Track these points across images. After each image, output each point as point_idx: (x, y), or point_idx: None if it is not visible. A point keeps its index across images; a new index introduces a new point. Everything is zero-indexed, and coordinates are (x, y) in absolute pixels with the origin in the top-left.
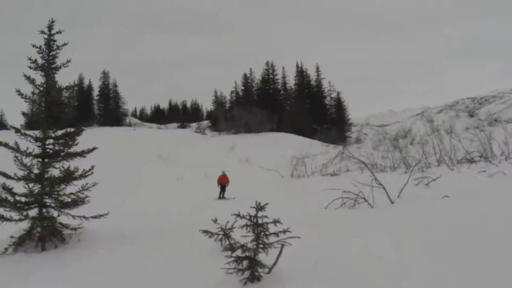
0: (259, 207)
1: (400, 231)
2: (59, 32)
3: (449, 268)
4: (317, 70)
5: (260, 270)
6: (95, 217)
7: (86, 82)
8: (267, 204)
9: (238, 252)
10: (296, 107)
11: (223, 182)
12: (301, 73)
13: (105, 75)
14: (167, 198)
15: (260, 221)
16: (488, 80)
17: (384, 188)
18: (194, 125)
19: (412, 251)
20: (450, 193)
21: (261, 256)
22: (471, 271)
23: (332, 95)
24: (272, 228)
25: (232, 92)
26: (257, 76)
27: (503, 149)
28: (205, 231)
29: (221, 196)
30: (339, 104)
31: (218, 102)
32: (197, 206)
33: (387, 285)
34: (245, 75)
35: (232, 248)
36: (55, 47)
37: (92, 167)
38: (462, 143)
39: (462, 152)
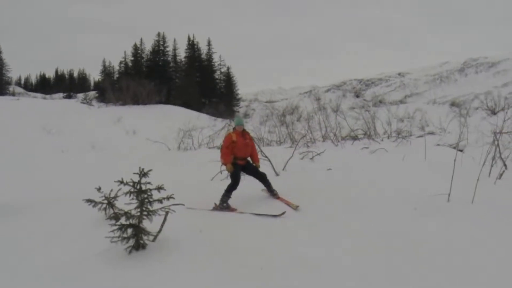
0: (143, 173)
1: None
2: None
3: (320, 215)
4: (209, 44)
5: (145, 238)
6: None
7: None
8: (150, 170)
9: (122, 220)
10: (186, 80)
11: None
12: (192, 46)
13: None
14: (50, 171)
15: (143, 187)
16: (376, 63)
17: (269, 161)
18: (80, 95)
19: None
20: (333, 166)
21: (146, 225)
22: (334, 213)
23: (222, 70)
24: (156, 195)
25: (121, 62)
26: (148, 47)
27: (386, 128)
28: (89, 200)
29: None
30: (228, 78)
31: (106, 72)
32: (82, 177)
33: (267, 241)
34: (135, 45)
35: (116, 216)
36: None
37: None
38: (347, 121)
39: (347, 129)
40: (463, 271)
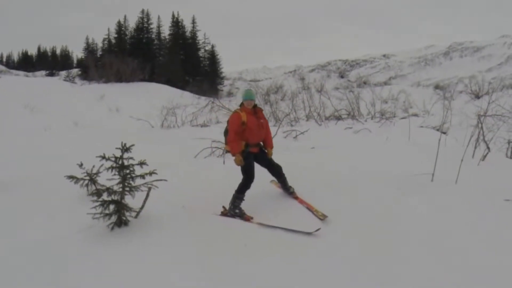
0: (125, 148)
1: (264, 174)
2: None
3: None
4: (193, 22)
5: (127, 214)
6: None
7: None
8: (133, 145)
9: (104, 196)
10: (170, 58)
11: None
12: (176, 24)
13: None
14: (32, 148)
15: (126, 162)
16: (361, 44)
17: None
18: (63, 73)
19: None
20: (317, 145)
21: (129, 201)
22: (317, 193)
23: (207, 48)
24: (138, 171)
25: (104, 39)
26: (132, 24)
27: (369, 109)
28: (70, 177)
29: None
30: (213, 57)
31: (89, 49)
32: (65, 154)
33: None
34: (119, 22)
35: (98, 192)
36: None
37: None
38: (331, 101)
39: (331, 109)
40: (446, 249)
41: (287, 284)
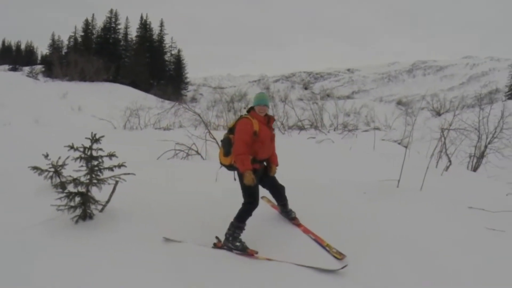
0: (94, 139)
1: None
2: None
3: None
4: (161, 25)
5: (93, 207)
6: None
7: None
8: (102, 136)
9: (70, 188)
10: (135, 59)
11: None
12: (144, 26)
13: None
14: None
15: (95, 153)
16: (326, 58)
17: (217, 143)
18: (27, 68)
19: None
20: (280, 153)
21: (95, 194)
22: None
23: (173, 52)
24: (107, 163)
25: (70, 37)
26: (99, 23)
27: (332, 121)
28: (34, 168)
29: None
30: (178, 61)
31: (55, 46)
32: (24, 150)
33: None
34: (86, 20)
35: (62, 184)
36: None
37: None
38: (295, 111)
39: (294, 119)
40: (415, 250)
41: None
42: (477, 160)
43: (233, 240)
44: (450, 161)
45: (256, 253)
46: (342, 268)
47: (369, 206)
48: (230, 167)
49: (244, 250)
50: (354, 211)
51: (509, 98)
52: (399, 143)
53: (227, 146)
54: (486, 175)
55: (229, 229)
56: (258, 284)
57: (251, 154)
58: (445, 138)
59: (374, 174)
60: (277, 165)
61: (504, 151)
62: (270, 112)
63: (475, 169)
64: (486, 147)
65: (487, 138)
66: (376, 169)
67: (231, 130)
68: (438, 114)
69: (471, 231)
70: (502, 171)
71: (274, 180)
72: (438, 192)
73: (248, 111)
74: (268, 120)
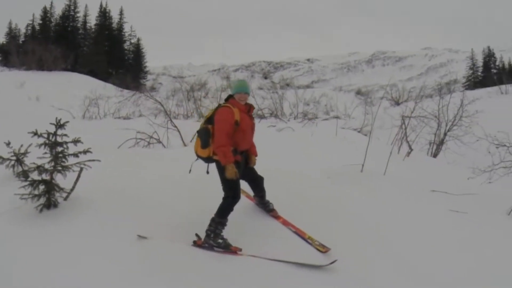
0: (59, 125)
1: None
2: None
3: None
4: (121, 13)
5: (57, 195)
6: None
7: None
8: (67, 122)
9: (34, 176)
10: (94, 48)
11: None
12: (103, 14)
13: None
14: None
15: (59, 140)
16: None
17: (179, 131)
18: None
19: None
20: None
21: (60, 182)
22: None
23: (132, 41)
24: (72, 149)
25: (28, 25)
26: (58, 11)
27: (292, 110)
28: None
29: None
30: (138, 50)
31: (12, 35)
32: None
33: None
34: (44, 8)
35: (25, 173)
36: None
37: None
38: (255, 99)
39: (255, 107)
40: (380, 232)
41: None
42: (436, 147)
43: (214, 237)
44: (410, 147)
45: (240, 250)
46: (331, 263)
47: (332, 188)
48: (208, 159)
49: (227, 248)
50: (316, 193)
51: (466, 89)
52: (358, 131)
53: (205, 137)
54: (445, 161)
55: (210, 225)
56: (247, 285)
57: (231, 145)
58: (406, 126)
59: (338, 159)
60: (256, 155)
61: (464, 138)
62: None
63: (435, 155)
64: (445, 134)
65: (446, 125)
66: (340, 154)
67: (209, 120)
68: (397, 103)
69: (435, 213)
70: (460, 158)
71: (253, 171)
72: (401, 177)
73: (227, 99)
74: (249, 109)
